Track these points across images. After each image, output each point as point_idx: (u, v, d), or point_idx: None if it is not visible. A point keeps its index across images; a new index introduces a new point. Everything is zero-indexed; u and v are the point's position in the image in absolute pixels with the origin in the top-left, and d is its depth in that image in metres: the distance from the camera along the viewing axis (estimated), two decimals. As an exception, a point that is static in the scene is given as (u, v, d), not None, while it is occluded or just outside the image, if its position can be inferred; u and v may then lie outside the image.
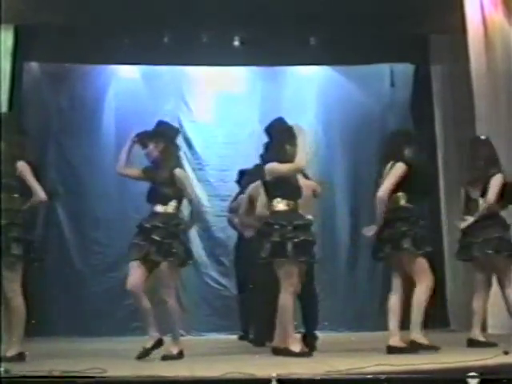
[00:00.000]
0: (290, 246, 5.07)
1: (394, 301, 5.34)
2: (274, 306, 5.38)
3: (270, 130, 5.43)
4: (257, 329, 6.45)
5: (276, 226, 5.12)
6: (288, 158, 5.23)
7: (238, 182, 7.52)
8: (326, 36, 8.14)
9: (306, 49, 8.24)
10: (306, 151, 5.20)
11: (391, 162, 5.35)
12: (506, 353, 4.34)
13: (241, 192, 7.03)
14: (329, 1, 7.28)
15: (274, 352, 5.26)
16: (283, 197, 5.21)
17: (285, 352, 5.09)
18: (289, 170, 5.23)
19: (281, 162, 5.23)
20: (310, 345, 5.73)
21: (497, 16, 7.11)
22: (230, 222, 7.42)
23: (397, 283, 5.39)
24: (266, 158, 5.45)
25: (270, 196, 5.29)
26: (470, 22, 7.14)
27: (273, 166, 5.25)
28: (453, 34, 7.74)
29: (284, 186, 5.24)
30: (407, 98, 8.96)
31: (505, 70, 7.11)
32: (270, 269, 5.70)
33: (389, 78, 8.99)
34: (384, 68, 8.95)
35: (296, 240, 5.09)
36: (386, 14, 7.50)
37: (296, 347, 5.12)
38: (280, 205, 5.20)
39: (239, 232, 7.15)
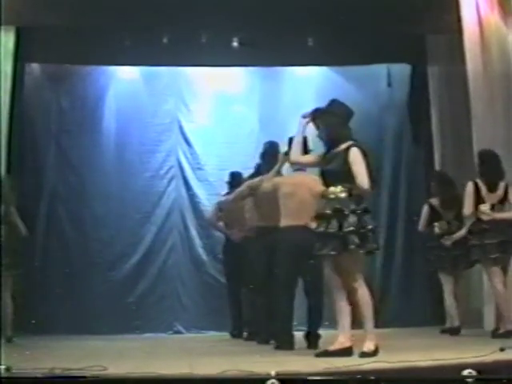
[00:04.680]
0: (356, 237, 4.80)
1: None
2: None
3: None
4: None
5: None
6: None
7: (230, 182, 7.78)
8: (324, 37, 8.17)
9: (304, 49, 8.26)
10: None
11: None
12: (502, 349, 4.37)
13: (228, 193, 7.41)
14: (327, 2, 7.32)
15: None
16: (334, 185, 4.93)
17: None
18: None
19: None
20: (312, 343, 5.69)
21: (493, 17, 7.14)
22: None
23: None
24: None
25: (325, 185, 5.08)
26: (466, 23, 7.17)
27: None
28: (450, 34, 7.77)
29: (332, 174, 5.00)
30: (404, 98, 9.00)
31: (501, 70, 7.14)
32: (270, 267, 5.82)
33: (386, 78, 9.03)
34: (381, 68, 8.99)
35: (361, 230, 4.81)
36: (383, 15, 7.53)
37: (367, 346, 4.76)
38: (331, 195, 4.92)
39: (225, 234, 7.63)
